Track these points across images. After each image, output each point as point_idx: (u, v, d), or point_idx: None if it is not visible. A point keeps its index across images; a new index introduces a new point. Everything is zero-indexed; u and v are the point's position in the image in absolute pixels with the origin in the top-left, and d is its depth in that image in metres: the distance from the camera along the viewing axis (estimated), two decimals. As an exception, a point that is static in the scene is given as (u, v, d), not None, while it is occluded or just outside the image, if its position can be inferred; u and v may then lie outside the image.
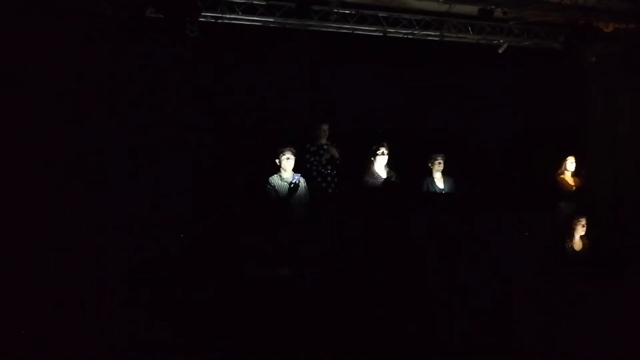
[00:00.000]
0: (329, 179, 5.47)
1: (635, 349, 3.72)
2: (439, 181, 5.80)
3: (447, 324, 4.00)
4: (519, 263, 4.85)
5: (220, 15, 5.47)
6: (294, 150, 4.95)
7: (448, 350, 3.73)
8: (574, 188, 5.95)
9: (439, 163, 5.79)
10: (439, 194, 5.77)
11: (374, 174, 5.27)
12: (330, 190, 5.44)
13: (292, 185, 4.86)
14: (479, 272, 4.63)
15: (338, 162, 5.51)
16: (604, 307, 4.19)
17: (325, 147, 5.52)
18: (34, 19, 4.92)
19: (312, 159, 5.46)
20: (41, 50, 4.97)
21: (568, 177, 6.00)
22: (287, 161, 4.91)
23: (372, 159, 5.30)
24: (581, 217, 5.52)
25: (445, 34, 6.13)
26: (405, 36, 6.12)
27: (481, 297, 4.29)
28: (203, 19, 5.26)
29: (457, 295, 4.31)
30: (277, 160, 4.93)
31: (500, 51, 6.38)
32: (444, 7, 5.74)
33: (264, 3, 5.51)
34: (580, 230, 5.51)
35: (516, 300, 4.28)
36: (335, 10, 5.60)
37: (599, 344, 3.76)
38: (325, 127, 5.56)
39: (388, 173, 5.29)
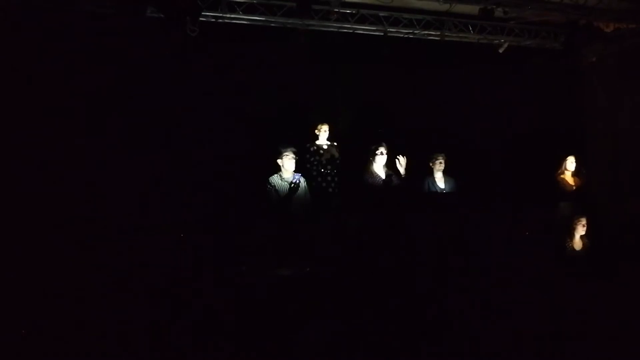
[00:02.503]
0: (329, 178, 5.47)
1: (635, 349, 3.73)
2: (440, 181, 5.80)
3: (445, 323, 4.00)
4: (518, 263, 4.86)
5: (220, 15, 5.47)
6: (295, 150, 4.95)
7: (447, 349, 3.74)
8: (574, 188, 5.95)
9: (440, 163, 5.78)
10: (439, 194, 5.78)
11: (373, 174, 5.27)
12: (330, 190, 5.45)
13: (293, 185, 4.86)
14: (478, 272, 4.64)
15: (338, 162, 5.52)
16: (604, 307, 4.20)
17: (325, 147, 5.53)
18: (34, 19, 4.93)
19: (312, 159, 5.47)
20: (41, 50, 4.98)
21: (568, 177, 6.00)
22: (289, 161, 4.91)
23: (371, 159, 5.30)
24: (581, 217, 5.52)
25: (445, 34, 6.14)
26: (406, 36, 6.13)
27: (480, 297, 4.30)
28: (203, 19, 5.26)
29: (456, 294, 4.32)
30: (278, 161, 4.93)
31: (500, 51, 6.39)
32: (444, 7, 5.73)
33: (264, 2, 5.52)
34: (580, 230, 5.52)
35: (516, 300, 4.28)
36: (336, 10, 5.59)
37: (599, 344, 3.76)
38: (325, 127, 5.57)
39: (387, 173, 5.30)
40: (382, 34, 6.00)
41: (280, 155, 4.93)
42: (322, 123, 5.57)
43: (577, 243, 5.54)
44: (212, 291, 4.11)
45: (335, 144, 5.57)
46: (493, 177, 6.39)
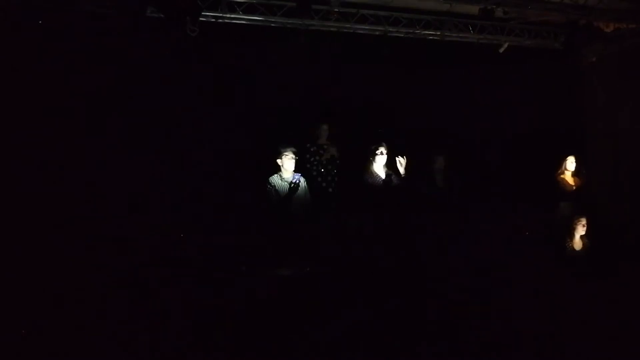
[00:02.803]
0: (329, 178, 5.48)
1: (634, 349, 3.73)
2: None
3: (444, 323, 4.00)
4: (518, 263, 4.86)
5: (220, 14, 5.47)
6: (295, 150, 4.95)
7: (447, 349, 3.74)
8: (574, 188, 5.95)
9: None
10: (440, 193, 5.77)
11: (372, 174, 5.27)
12: (330, 190, 5.45)
13: (293, 185, 4.86)
14: (477, 272, 4.64)
15: (338, 162, 5.52)
16: (604, 307, 4.20)
17: (325, 147, 5.53)
18: (34, 19, 4.93)
19: (312, 159, 5.47)
20: (41, 50, 4.98)
21: (568, 177, 6.00)
22: (289, 161, 4.91)
23: (371, 159, 5.30)
24: (581, 217, 5.52)
25: (445, 34, 6.14)
26: (406, 35, 6.12)
27: (479, 297, 4.30)
28: (203, 19, 5.25)
29: (456, 294, 4.32)
30: (278, 160, 4.93)
31: (500, 51, 6.38)
32: (444, 7, 5.73)
33: (264, 2, 5.52)
34: (580, 230, 5.52)
35: (515, 300, 4.29)
36: (336, 10, 5.59)
37: (599, 344, 3.76)
38: (325, 127, 5.57)
39: (387, 173, 5.30)
40: (383, 33, 6.00)
41: (280, 155, 4.92)
42: (322, 123, 5.58)
43: (577, 243, 5.54)
44: (212, 291, 4.11)
45: (335, 144, 5.57)
46: (493, 176, 6.39)
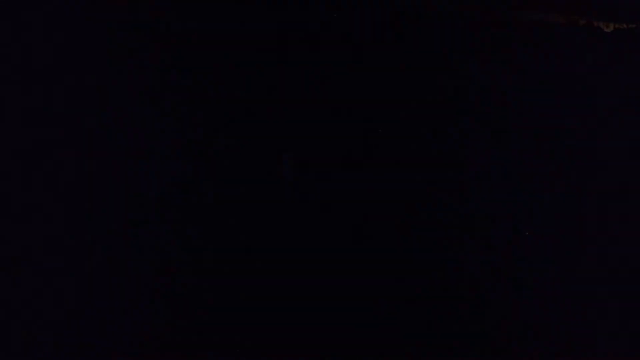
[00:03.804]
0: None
1: (634, 348, 3.74)
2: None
3: (444, 323, 4.00)
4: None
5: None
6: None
7: (445, 349, 3.74)
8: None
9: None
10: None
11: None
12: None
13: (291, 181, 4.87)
14: (477, 271, 4.64)
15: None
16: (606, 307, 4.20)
17: (325, 146, 5.54)
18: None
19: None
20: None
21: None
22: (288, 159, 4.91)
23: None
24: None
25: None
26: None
27: (479, 296, 4.29)
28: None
29: (455, 293, 4.32)
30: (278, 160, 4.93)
31: (500, 51, 6.40)
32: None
33: None
34: (580, 229, 5.53)
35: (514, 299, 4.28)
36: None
37: (598, 344, 3.77)
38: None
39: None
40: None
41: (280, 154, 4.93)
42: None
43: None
44: (212, 291, 4.10)
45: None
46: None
